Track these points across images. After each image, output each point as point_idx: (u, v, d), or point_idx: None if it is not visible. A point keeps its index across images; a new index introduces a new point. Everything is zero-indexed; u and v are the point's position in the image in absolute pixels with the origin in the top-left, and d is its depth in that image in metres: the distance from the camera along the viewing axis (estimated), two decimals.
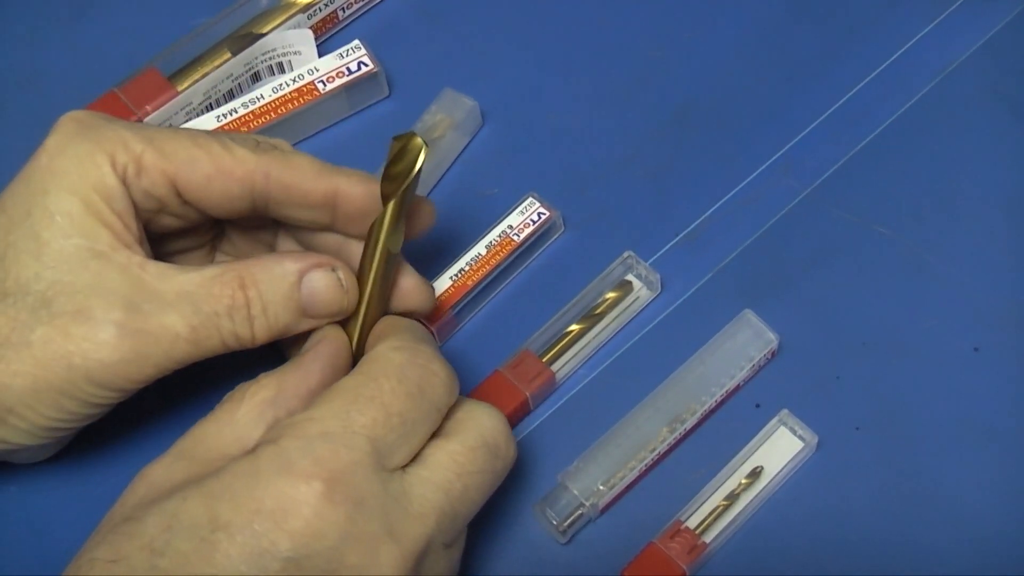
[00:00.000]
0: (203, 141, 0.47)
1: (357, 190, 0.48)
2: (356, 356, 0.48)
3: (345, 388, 0.43)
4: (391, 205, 0.47)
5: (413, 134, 0.46)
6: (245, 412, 0.44)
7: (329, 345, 0.47)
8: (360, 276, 0.48)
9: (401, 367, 0.44)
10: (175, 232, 0.49)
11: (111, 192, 0.45)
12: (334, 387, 0.44)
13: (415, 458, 0.44)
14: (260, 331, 0.46)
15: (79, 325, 0.43)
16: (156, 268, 0.45)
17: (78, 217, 0.44)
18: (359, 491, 0.41)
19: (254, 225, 0.51)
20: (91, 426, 0.48)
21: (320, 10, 0.63)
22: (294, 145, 0.61)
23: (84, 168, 0.45)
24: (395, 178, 0.46)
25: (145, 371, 0.45)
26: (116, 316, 0.44)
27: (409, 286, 0.50)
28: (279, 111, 0.59)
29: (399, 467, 0.43)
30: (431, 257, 0.56)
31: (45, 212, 0.44)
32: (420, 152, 0.46)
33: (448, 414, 0.46)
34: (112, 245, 0.44)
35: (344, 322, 0.48)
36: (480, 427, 0.45)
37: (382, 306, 0.49)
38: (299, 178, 0.47)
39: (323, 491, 0.41)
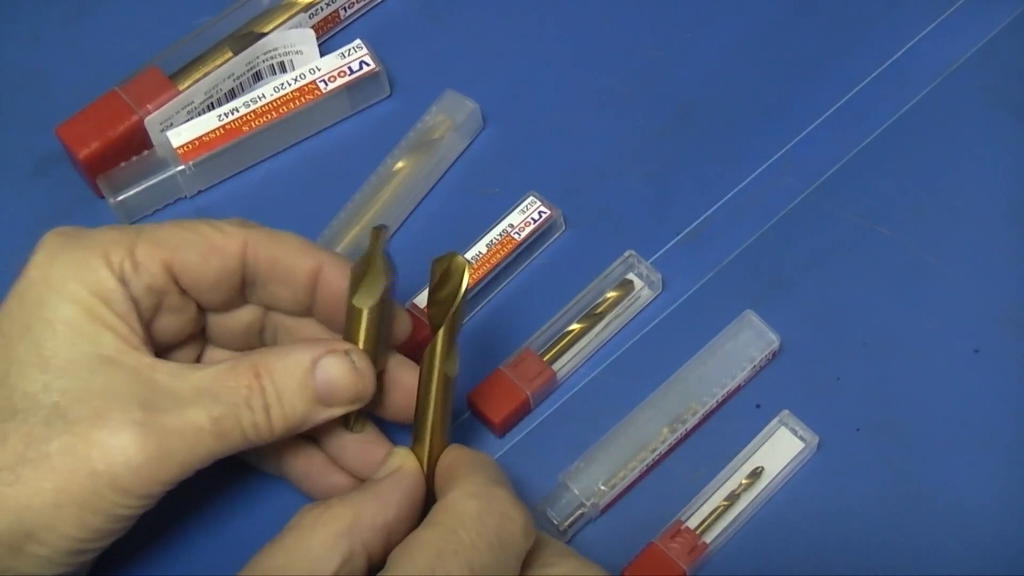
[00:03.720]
0: (190, 224, 0.46)
1: (339, 269, 0.47)
2: (428, 484, 0.47)
3: (426, 543, 0.42)
4: (441, 332, 0.45)
5: (455, 254, 0.45)
6: (320, 543, 0.42)
7: (407, 476, 0.45)
8: (419, 404, 0.46)
9: (479, 516, 0.42)
10: (168, 345, 0.48)
11: (111, 294, 0.44)
12: (413, 541, 0.42)
13: None
14: (277, 421, 0.44)
15: (99, 429, 0.42)
16: (167, 367, 0.44)
17: (80, 324, 0.43)
18: None
19: (240, 328, 0.50)
20: None
21: (321, 9, 0.63)
22: (296, 145, 0.61)
23: (80, 274, 0.43)
24: (442, 303, 0.45)
25: (171, 471, 0.43)
26: (136, 416, 0.42)
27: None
28: (280, 110, 0.59)
29: None
30: (432, 255, 0.56)
31: (45, 324, 0.43)
32: (464, 273, 0.44)
33: (538, 563, 0.44)
34: (119, 349, 0.43)
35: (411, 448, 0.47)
36: None
37: (446, 431, 0.47)
38: (285, 251, 0.47)
39: None
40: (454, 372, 0.46)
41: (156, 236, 0.45)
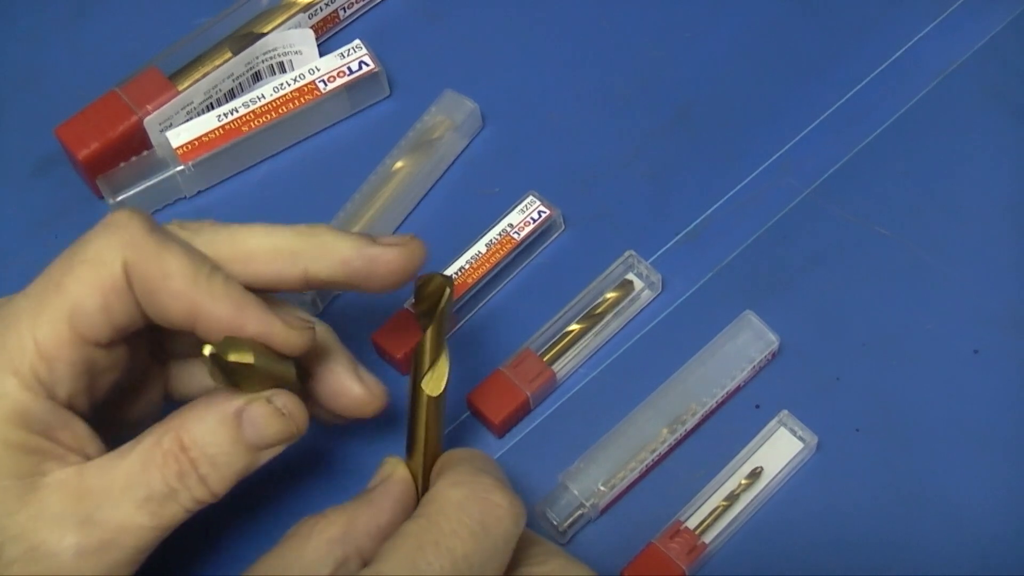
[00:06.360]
0: (84, 276, 0.42)
1: (222, 311, 0.43)
2: (421, 495, 0.47)
3: (408, 535, 0.42)
4: (429, 333, 0.46)
5: (436, 274, 0.46)
6: (313, 549, 0.42)
7: (397, 482, 0.46)
8: (411, 419, 0.47)
9: (460, 504, 0.42)
10: (129, 387, 0.47)
11: (24, 412, 0.42)
12: (397, 534, 0.42)
13: None
14: (217, 485, 0.43)
15: (36, 563, 0.41)
16: (95, 466, 0.42)
17: (1, 457, 0.41)
18: None
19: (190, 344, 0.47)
20: None
21: (321, 9, 0.63)
22: (296, 145, 0.61)
23: None
24: (426, 299, 0.46)
25: (121, 572, 0.42)
26: (71, 540, 0.41)
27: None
28: (280, 111, 0.59)
29: None
30: (432, 256, 0.56)
31: None
32: (445, 287, 0.46)
33: (527, 561, 0.44)
34: (42, 470, 0.42)
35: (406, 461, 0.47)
36: None
37: (439, 444, 0.47)
38: (162, 287, 0.43)
39: None
40: (436, 392, 0.46)
41: (55, 316, 0.42)
